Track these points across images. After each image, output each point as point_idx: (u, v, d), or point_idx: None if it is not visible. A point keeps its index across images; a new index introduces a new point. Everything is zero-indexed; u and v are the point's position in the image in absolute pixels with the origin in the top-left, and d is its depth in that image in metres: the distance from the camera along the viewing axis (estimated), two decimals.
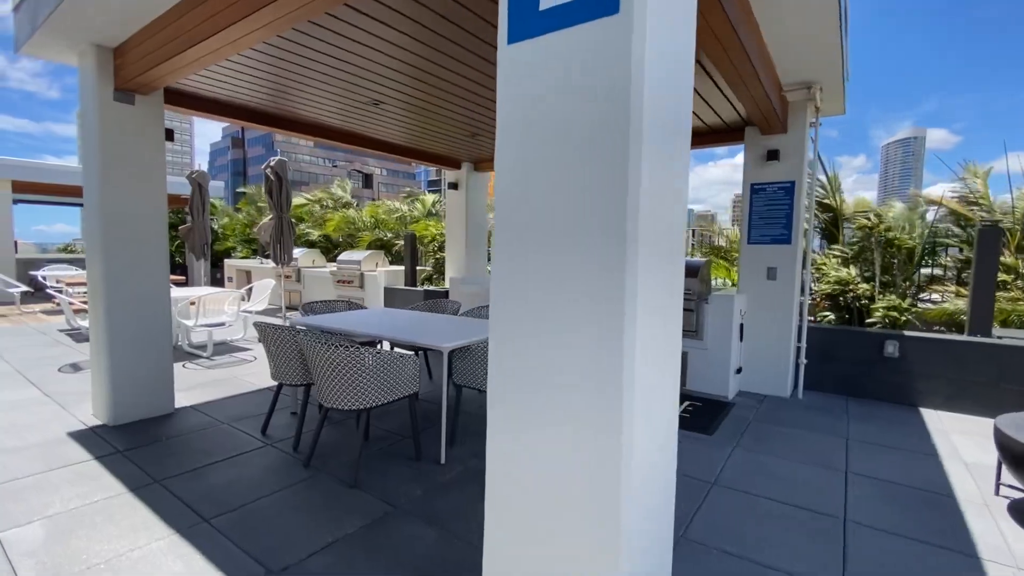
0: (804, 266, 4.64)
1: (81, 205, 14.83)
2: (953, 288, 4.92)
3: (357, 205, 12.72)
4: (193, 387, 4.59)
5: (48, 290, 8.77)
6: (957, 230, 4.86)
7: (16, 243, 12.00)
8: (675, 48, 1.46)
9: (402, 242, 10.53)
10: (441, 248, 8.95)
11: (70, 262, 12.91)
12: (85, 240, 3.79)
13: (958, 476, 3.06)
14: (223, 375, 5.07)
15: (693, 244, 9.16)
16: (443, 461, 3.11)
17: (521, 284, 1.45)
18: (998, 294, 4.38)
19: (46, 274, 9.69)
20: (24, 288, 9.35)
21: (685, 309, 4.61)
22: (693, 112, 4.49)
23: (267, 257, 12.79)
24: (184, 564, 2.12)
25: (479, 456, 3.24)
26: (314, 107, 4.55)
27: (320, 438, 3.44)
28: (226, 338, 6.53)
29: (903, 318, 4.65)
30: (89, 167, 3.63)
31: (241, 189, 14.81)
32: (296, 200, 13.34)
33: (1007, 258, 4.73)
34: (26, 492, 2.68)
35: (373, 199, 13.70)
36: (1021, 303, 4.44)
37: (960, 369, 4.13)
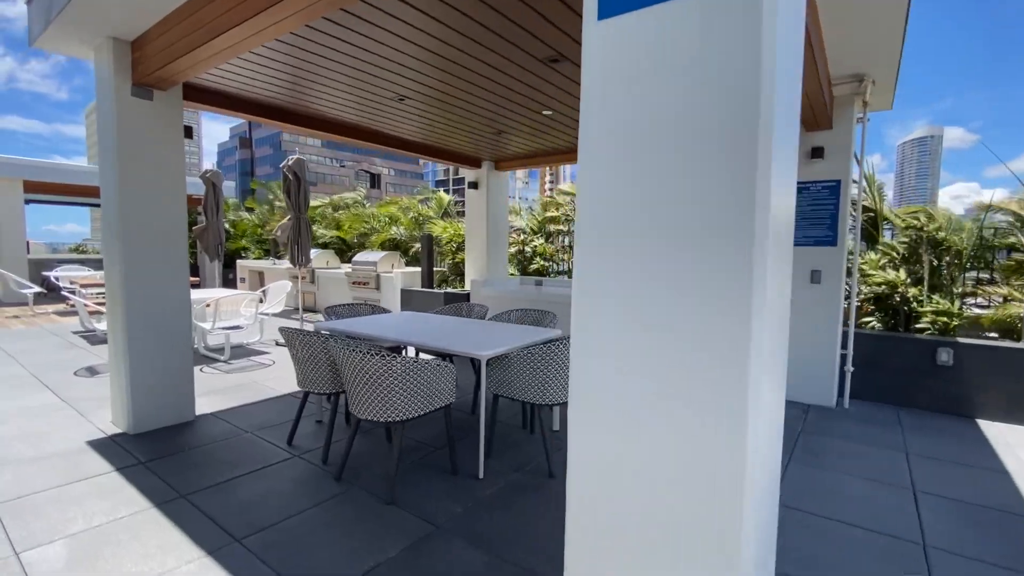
0: (851, 270, 4.43)
1: (91, 205, 14.91)
2: (1004, 291, 4.68)
3: (367, 205, 12.58)
4: (212, 392, 4.45)
5: (63, 291, 8.70)
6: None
7: (28, 243, 11.97)
8: (794, 23, 1.28)
9: (418, 243, 10.39)
10: (459, 249, 8.78)
11: (82, 262, 12.89)
12: (103, 240, 3.65)
13: None
14: (242, 380, 4.92)
15: None
16: (481, 475, 2.93)
17: (622, 287, 1.27)
18: None
19: (59, 275, 9.62)
20: (37, 289, 9.29)
21: None
22: None
23: (279, 257, 12.71)
24: None
25: (518, 469, 3.06)
26: (335, 103, 4.39)
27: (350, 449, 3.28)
28: (242, 341, 6.39)
29: (953, 323, 4.42)
30: (106, 165, 3.49)
31: (253, 187, 14.72)
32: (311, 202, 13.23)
33: None
34: (47, 507, 2.53)
35: (380, 199, 13.55)
36: None
37: (1021, 379, 3.90)
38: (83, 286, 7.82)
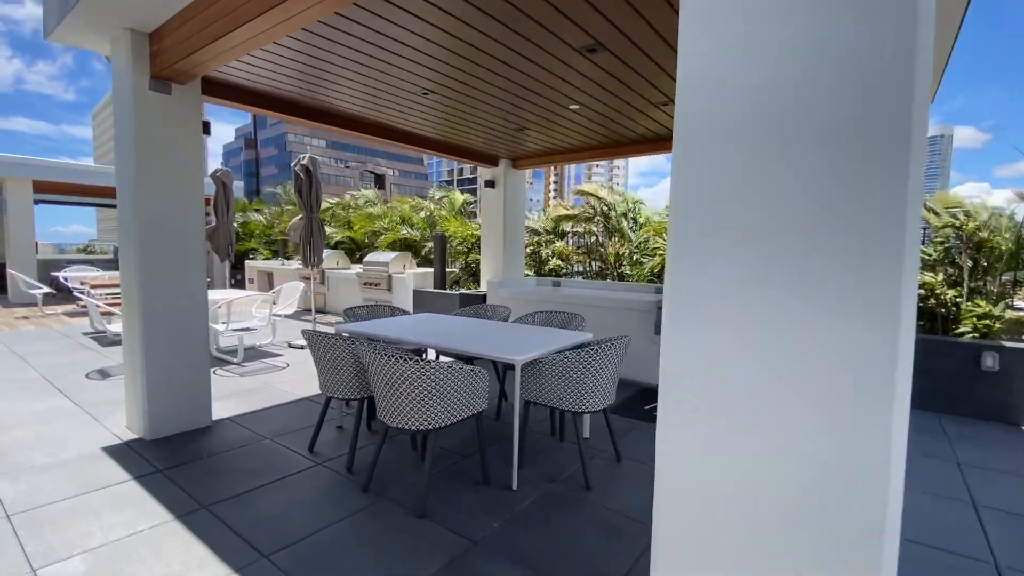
0: None
1: (99, 205, 14.86)
2: None
3: (377, 204, 12.47)
4: (227, 396, 4.33)
5: (74, 292, 8.62)
6: None
7: (36, 244, 11.93)
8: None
9: (429, 244, 10.26)
10: (471, 250, 8.65)
11: (91, 263, 12.84)
12: (118, 240, 3.54)
13: None
14: (256, 383, 4.80)
15: None
16: (515, 487, 2.79)
17: (739, 284, 1.10)
18: None
19: (68, 275, 9.55)
20: (46, 289, 9.22)
21: None
22: None
23: (288, 258, 12.62)
24: None
25: (552, 480, 2.92)
26: (353, 99, 4.26)
27: (371, 454, 3.14)
28: (254, 343, 6.28)
29: (996, 326, 4.25)
30: (123, 163, 3.38)
31: (270, 189, 14.65)
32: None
33: None
34: (64, 519, 2.41)
35: (386, 200, 13.46)
36: None
37: None
38: (93, 287, 7.74)
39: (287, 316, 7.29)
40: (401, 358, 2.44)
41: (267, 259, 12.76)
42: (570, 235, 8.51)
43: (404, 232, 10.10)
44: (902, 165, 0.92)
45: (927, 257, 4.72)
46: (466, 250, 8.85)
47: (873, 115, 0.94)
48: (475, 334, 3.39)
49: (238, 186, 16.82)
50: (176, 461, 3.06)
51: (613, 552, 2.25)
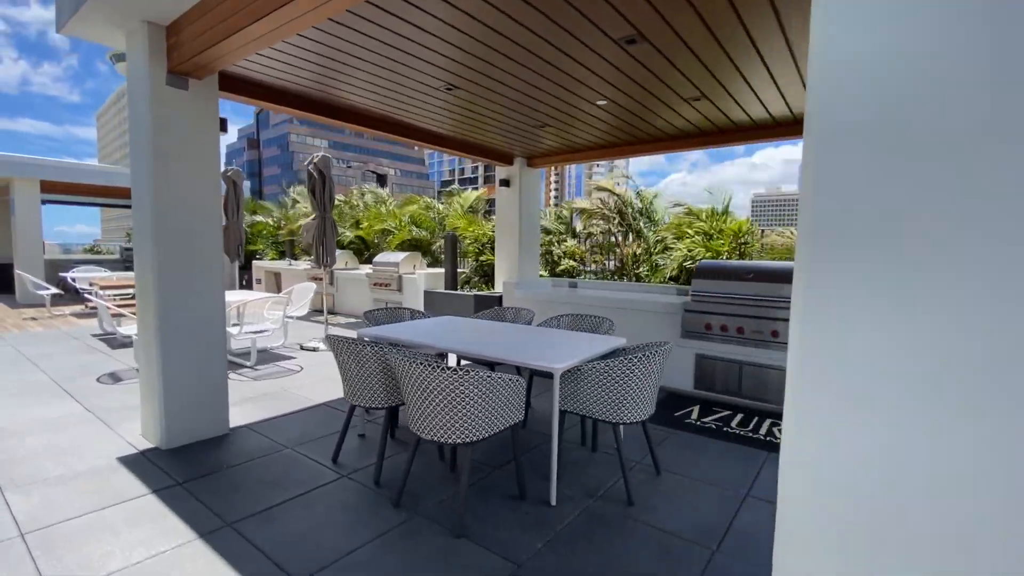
0: None
1: (104, 205, 14.74)
2: None
3: (386, 201, 12.34)
4: (242, 401, 4.19)
5: (85, 294, 8.51)
6: None
7: (43, 244, 11.84)
8: None
9: (439, 243, 10.13)
10: (483, 250, 8.51)
11: (98, 263, 12.75)
12: (134, 239, 3.41)
13: None
14: (272, 388, 4.67)
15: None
16: (554, 502, 2.64)
17: (897, 285, 0.95)
18: None
19: (76, 276, 9.45)
20: (54, 290, 9.12)
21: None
22: (780, 99, 3.98)
23: (295, 258, 12.50)
24: None
25: (591, 495, 2.77)
26: (373, 94, 4.11)
27: (398, 466, 3.00)
28: (266, 345, 6.14)
29: None
30: (139, 160, 3.24)
31: (279, 191, 14.56)
32: None
33: None
34: (80, 537, 2.27)
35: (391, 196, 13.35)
36: None
37: None
38: (102, 288, 7.63)
39: (298, 318, 7.16)
40: (438, 367, 2.30)
41: (274, 260, 12.65)
42: (583, 234, 8.36)
43: (414, 232, 9.97)
44: None
45: None
46: (477, 250, 8.70)
47: None
48: (505, 339, 3.25)
49: (247, 186, 16.74)
50: (195, 473, 2.92)
51: None
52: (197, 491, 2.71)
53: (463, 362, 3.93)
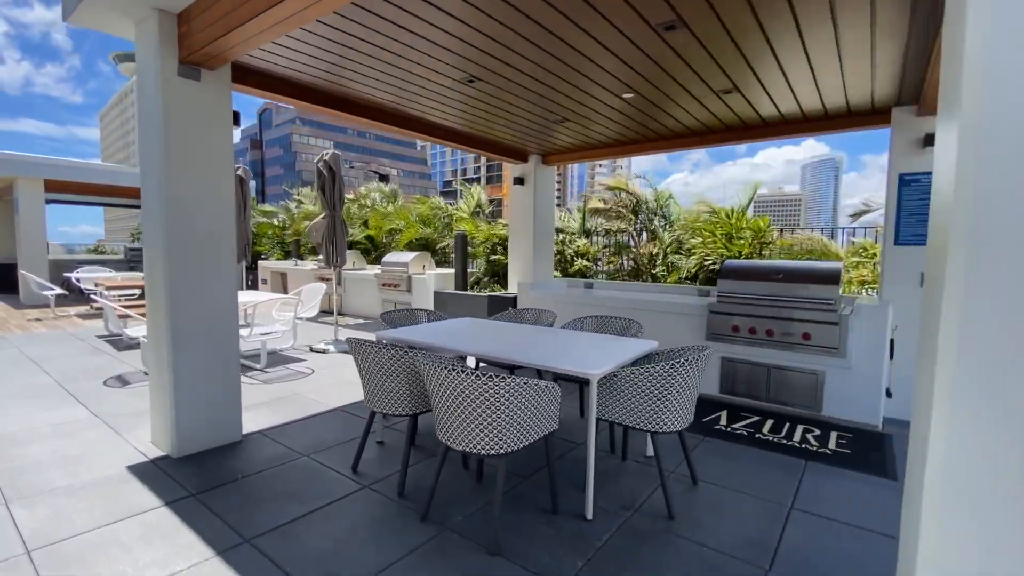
0: None
1: (108, 205, 14.61)
2: None
3: (392, 202, 12.20)
4: (254, 406, 4.05)
5: (91, 295, 8.39)
6: None
7: (47, 244, 11.73)
8: None
9: (447, 243, 9.98)
10: (494, 250, 8.35)
11: (102, 263, 12.64)
12: (143, 238, 3.27)
13: None
14: (283, 391, 4.53)
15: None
16: (590, 516, 2.49)
17: None
18: None
19: (81, 276, 9.33)
20: (59, 290, 9.00)
21: (825, 322, 3.93)
22: (815, 91, 3.82)
23: (301, 258, 12.37)
24: None
25: (628, 508, 2.61)
26: (387, 88, 3.96)
27: (421, 475, 2.85)
28: (275, 347, 6.00)
29: None
30: (149, 155, 3.10)
31: (285, 189, 14.46)
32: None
33: None
34: (92, 555, 2.13)
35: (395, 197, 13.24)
36: None
37: None
38: (108, 288, 7.50)
39: (308, 319, 7.01)
40: (473, 373, 2.15)
41: (279, 260, 12.52)
42: (597, 233, 8.20)
43: (423, 231, 9.82)
44: None
45: None
46: (487, 250, 8.55)
47: None
48: (532, 343, 3.09)
49: (253, 185, 16.62)
50: (209, 483, 2.78)
51: None
52: (212, 503, 2.57)
53: (479, 365, 3.78)
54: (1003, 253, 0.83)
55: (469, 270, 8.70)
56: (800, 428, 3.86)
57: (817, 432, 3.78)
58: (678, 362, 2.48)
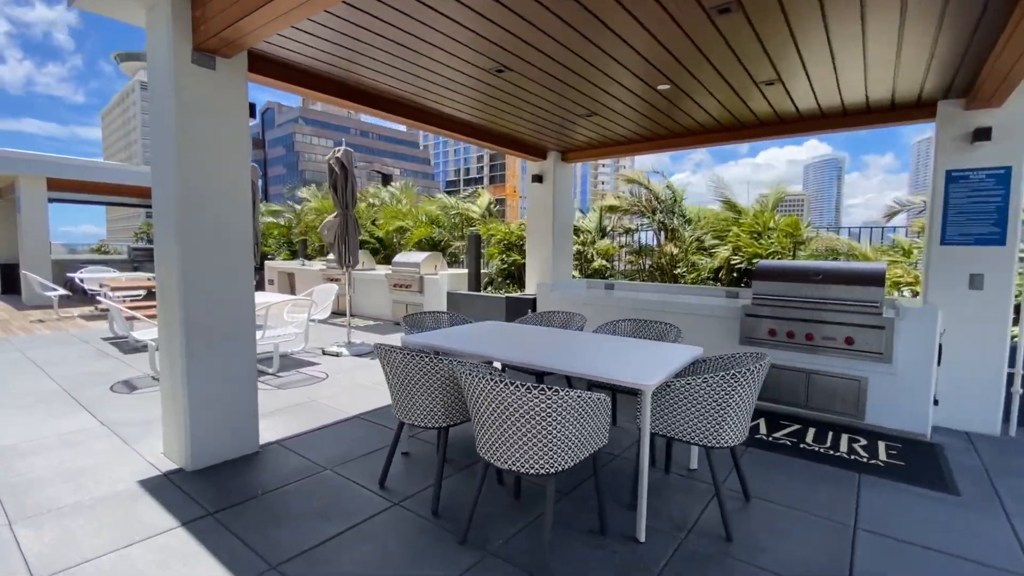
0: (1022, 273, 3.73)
1: (113, 204, 14.45)
2: None
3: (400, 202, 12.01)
4: (270, 413, 3.86)
5: (93, 294, 8.21)
6: None
7: (49, 244, 11.56)
8: None
9: (459, 243, 9.78)
10: (508, 250, 8.16)
11: (106, 263, 12.48)
12: (155, 234, 3.08)
13: None
14: (299, 397, 4.33)
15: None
16: (642, 538, 2.29)
17: None
18: None
19: (85, 276, 9.15)
20: (62, 291, 8.82)
21: (870, 326, 3.73)
22: (859, 83, 3.62)
23: (309, 258, 12.18)
24: None
25: (681, 527, 2.42)
26: (407, 77, 3.77)
27: (452, 491, 2.66)
28: (287, 350, 5.81)
29: None
30: (162, 148, 2.91)
31: (295, 190, 14.30)
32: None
33: None
34: None
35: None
36: None
37: None
38: (113, 289, 7.32)
39: (321, 321, 6.83)
40: (524, 386, 1.95)
41: (286, 260, 12.34)
42: (615, 232, 7.99)
43: (435, 233, 9.62)
44: None
45: None
46: (501, 250, 8.35)
47: None
48: (572, 349, 2.90)
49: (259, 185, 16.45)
50: (227, 501, 2.58)
51: None
52: (232, 524, 2.37)
53: (501, 369, 3.59)
54: None
55: (482, 271, 8.51)
56: (844, 437, 3.66)
57: (863, 442, 3.58)
58: (739, 372, 2.28)
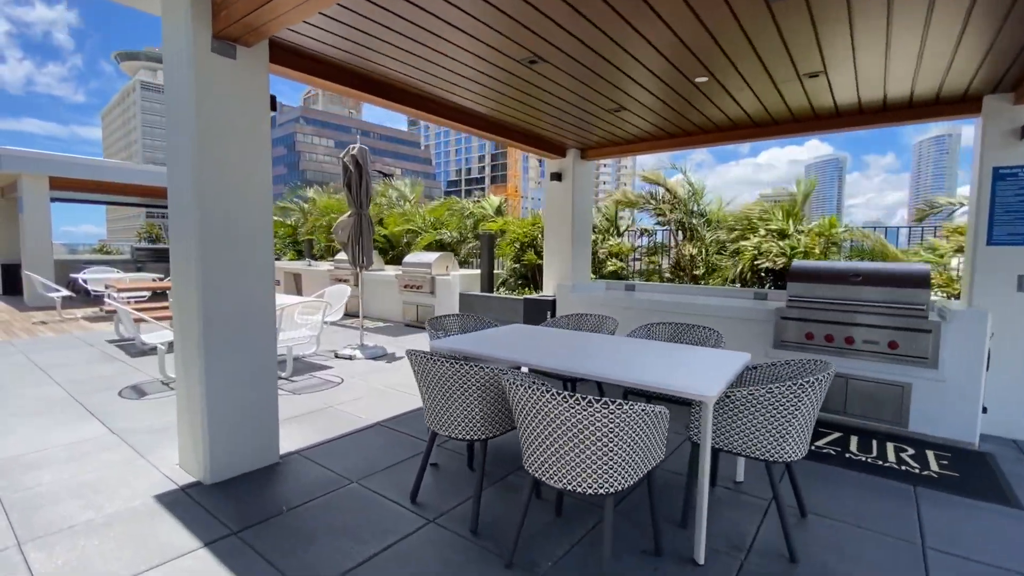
0: None
1: (113, 203, 14.23)
2: None
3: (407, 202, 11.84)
4: (287, 420, 3.69)
5: (97, 295, 8.04)
6: None
7: (51, 244, 11.38)
8: None
9: (466, 245, 9.62)
10: (522, 250, 7.99)
11: (108, 263, 12.31)
12: (171, 232, 2.92)
13: None
14: (315, 403, 4.17)
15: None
16: (702, 560, 2.13)
17: None
18: None
19: (88, 277, 8.98)
20: (65, 292, 8.65)
21: (916, 330, 3.57)
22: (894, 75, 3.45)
23: (315, 258, 12.01)
24: None
25: (739, 546, 2.25)
26: (429, 69, 3.61)
27: (488, 506, 2.49)
28: (299, 353, 5.64)
29: None
30: (180, 141, 2.75)
31: (302, 191, 14.14)
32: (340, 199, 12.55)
33: None
34: None
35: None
36: None
37: None
38: (119, 290, 7.15)
39: (333, 323, 6.66)
40: (584, 399, 1.78)
41: (292, 260, 12.18)
42: (631, 232, 7.82)
43: (444, 235, 9.44)
44: None
45: None
46: (516, 250, 8.18)
47: None
48: (618, 356, 2.73)
49: None
50: (251, 518, 2.42)
51: None
52: (259, 544, 2.21)
53: (525, 371, 3.41)
54: None
55: (495, 271, 8.35)
56: (890, 446, 3.49)
57: (911, 451, 3.42)
58: (807, 381, 2.12)
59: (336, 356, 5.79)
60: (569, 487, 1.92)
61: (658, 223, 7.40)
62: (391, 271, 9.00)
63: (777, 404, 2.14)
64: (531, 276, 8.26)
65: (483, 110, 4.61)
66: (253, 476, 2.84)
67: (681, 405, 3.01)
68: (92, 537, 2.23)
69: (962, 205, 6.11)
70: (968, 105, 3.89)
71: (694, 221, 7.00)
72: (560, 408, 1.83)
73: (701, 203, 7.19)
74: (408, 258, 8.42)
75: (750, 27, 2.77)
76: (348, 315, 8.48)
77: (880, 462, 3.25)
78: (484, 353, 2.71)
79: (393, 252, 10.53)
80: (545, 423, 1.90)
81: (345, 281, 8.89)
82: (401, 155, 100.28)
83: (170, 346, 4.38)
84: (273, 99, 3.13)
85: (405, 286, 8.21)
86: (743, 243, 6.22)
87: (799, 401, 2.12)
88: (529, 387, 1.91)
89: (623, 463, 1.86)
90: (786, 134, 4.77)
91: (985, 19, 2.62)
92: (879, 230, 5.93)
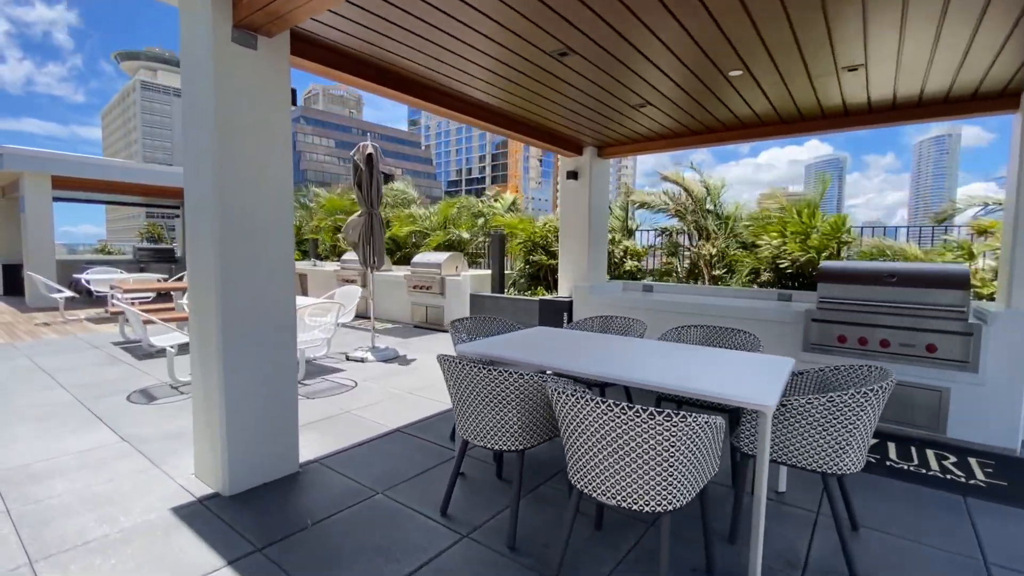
0: None
1: (114, 203, 14.05)
2: None
3: (418, 201, 11.73)
4: (303, 426, 3.55)
5: (101, 296, 7.89)
6: None
7: (53, 244, 11.24)
8: None
9: (476, 244, 9.49)
10: (533, 250, 7.86)
11: (111, 264, 12.17)
12: (188, 231, 2.79)
13: None
14: (331, 407, 4.04)
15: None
16: None
17: None
18: None
19: (91, 277, 8.85)
20: (68, 293, 8.51)
21: (955, 332, 3.45)
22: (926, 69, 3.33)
23: (320, 258, 11.88)
24: None
25: (795, 564, 2.13)
26: (454, 65, 3.49)
27: (522, 518, 2.36)
28: (310, 356, 5.51)
29: None
30: (197, 136, 2.62)
31: (319, 191, 14.00)
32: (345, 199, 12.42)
33: None
34: None
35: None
36: None
37: None
38: (125, 291, 7.01)
39: (344, 325, 6.53)
40: (646, 411, 1.66)
41: (297, 260, 12.03)
42: (643, 231, 7.69)
43: (455, 234, 9.31)
44: None
45: None
46: (527, 250, 8.05)
47: None
48: (657, 362, 2.60)
49: None
50: (275, 532, 2.29)
51: None
52: (285, 562, 2.08)
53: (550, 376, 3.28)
54: None
55: (505, 272, 8.22)
56: (931, 453, 3.37)
57: (952, 459, 3.29)
58: (870, 390, 1.99)
59: (348, 358, 5.66)
60: (624, 504, 1.79)
61: (674, 225, 7.28)
62: (399, 271, 8.87)
63: (838, 413, 2.01)
64: (542, 276, 8.13)
65: (503, 106, 4.49)
66: (273, 487, 2.72)
67: (717, 411, 2.89)
68: (109, 555, 2.10)
69: (986, 205, 6.00)
70: (1006, 100, 3.77)
71: (709, 222, 6.88)
72: (613, 420, 1.71)
73: (718, 203, 7.06)
74: (417, 258, 8.29)
75: (796, 16, 2.65)
76: (361, 316, 8.35)
77: (923, 471, 3.12)
78: (516, 358, 2.58)
79: (400, 253, 10.40)
80: (598, 436, 1.78)
81: (352, 282, 8.76)
82: (402, 155, 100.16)
83: (180, 348, 4.25)
84: (293, 92, 3.01)
85: (414, 287, 8.08)
86: (762, 241, 6.09)
87: (861, 411, 2.00)
88: (575, 396, 1.79)
89: (682, 479, 1.74)
90: (815, 131, 4.65)
91: None
92: (890, 231, 5.81)
